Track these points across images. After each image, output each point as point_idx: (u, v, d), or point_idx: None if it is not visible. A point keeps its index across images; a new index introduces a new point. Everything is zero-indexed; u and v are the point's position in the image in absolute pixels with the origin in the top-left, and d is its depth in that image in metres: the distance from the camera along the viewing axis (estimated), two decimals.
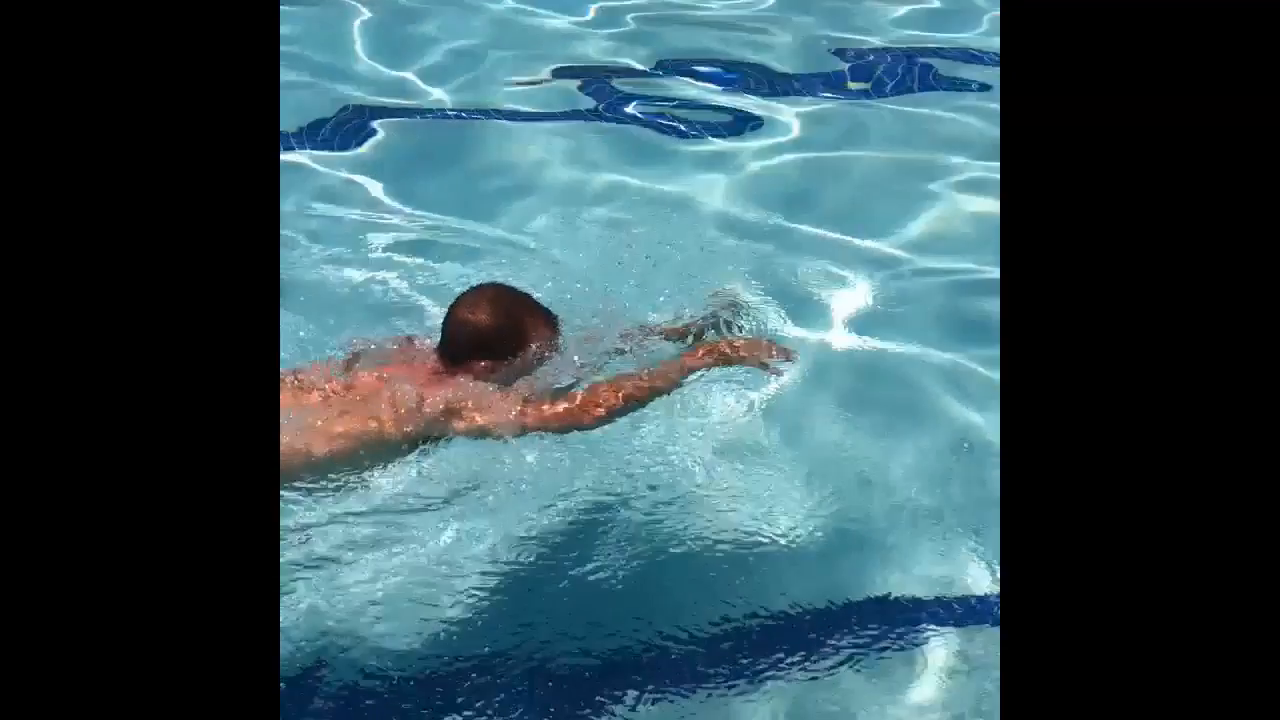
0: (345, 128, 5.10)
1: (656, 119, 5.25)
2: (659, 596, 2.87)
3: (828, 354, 3.68)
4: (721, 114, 5.33)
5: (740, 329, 3.30)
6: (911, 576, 2.99)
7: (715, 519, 3.03)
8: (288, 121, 4.96)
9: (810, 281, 4.05)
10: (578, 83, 5.56)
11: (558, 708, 2.64)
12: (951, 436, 3.40)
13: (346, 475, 2.82)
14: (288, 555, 2.73)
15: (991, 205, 4.43)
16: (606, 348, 3.10)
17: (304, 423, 2.76)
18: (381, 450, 2.82)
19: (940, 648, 2.81)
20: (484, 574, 2.86)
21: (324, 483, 2.80)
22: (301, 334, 3.28)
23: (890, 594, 2.95)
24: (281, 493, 2.72)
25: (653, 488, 3.04)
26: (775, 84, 5.59)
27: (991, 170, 4.72)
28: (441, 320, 3.00)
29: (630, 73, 5.68)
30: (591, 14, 6.18)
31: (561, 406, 2.86)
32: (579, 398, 2.88)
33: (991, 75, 5.68)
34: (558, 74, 5.65)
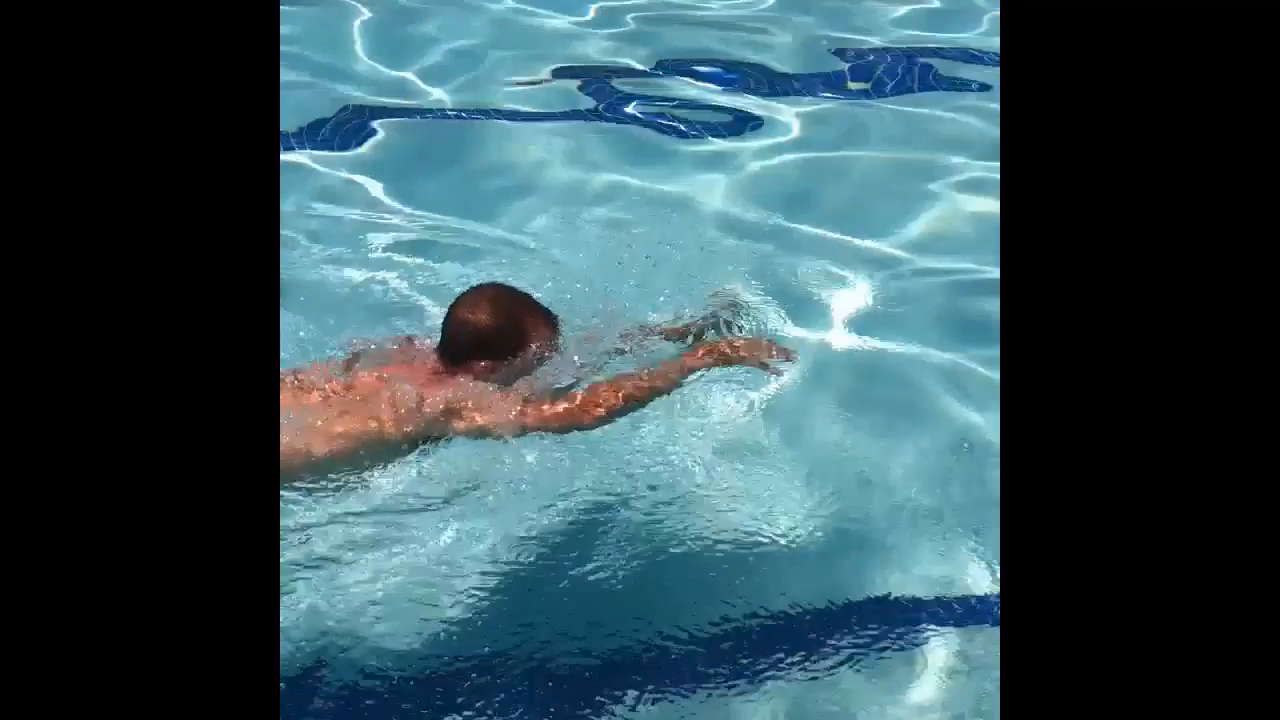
0: (345, 128, 5.10)
1: (656, 119, 5.25)
2: (659, 596, 2.87)
3: (828, 354, 3.68)
4: (721, 114, 5.33)
5: (740, 329, 3.30)
6: (911, 576, 2.99)
7: (715, 519, 3.03)
8: (288, 121, 4.96)
9: (810, 281, 4.05)
10: (578, 83, 5.56)
11: (557, 708, 2.64)
12: (951, 436, 3.40)
13: (346, 475, 2.82)
14: (288, 555, 2.73)
15: (991, 205, 4.43)
16: (606, 348, 3.10)
17: (304, 423, 2.76)
18: (381, 450, 2.83)
19: (940, 648, 2.81)
20: (484, 574, 2.86)
21: (324, 483, 2.80)
22: (301, 334, 3.28)
23: (890, 594, 2.95)
24: (282, 492, 2.72)
25: (653, 488, 3.04)
26: (775, 84, 5.59)
27: (991, 170, 4.72)
28: (441, 320, 3.00)
29: (630, 73, 5.68)
30: (591, 14, 6.19)
31: (561, 406, 2.86)
32: (579, 398, 2.88)
33: (991, 75, 5.68)
34: (558, 74, 5.65)
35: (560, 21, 6.15)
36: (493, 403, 2.85)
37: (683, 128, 5.21)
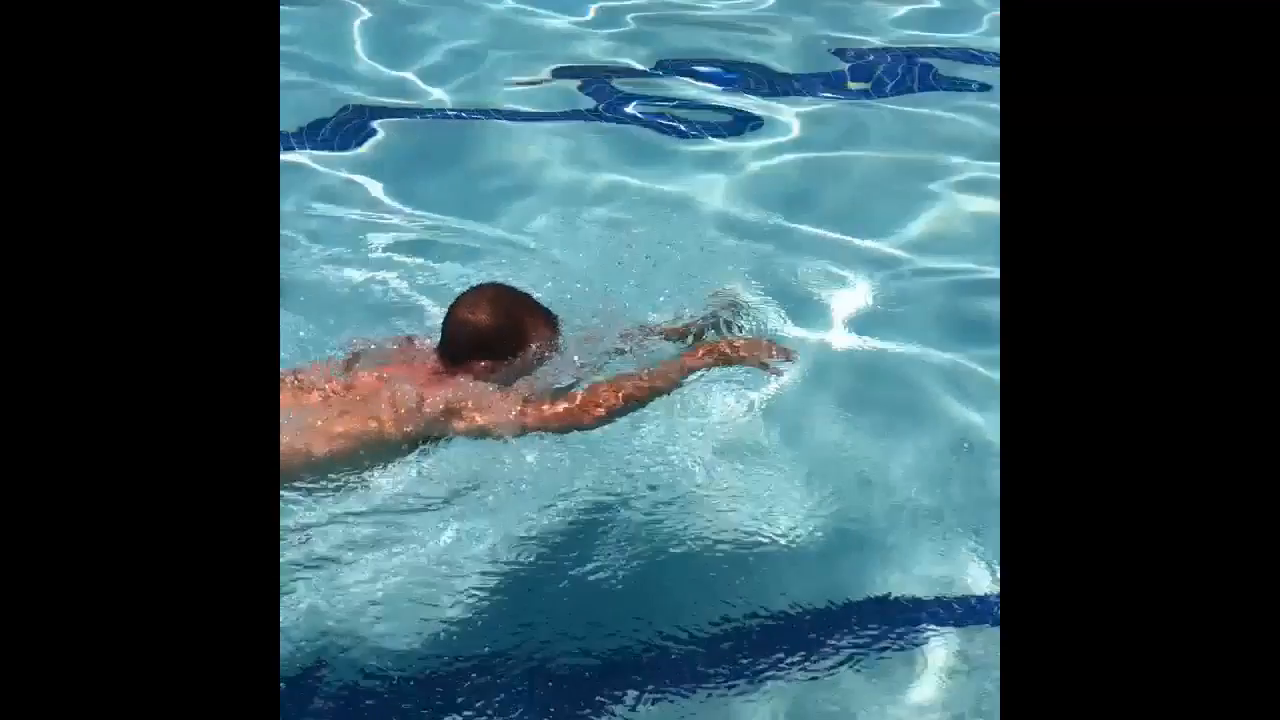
0: (345, 128, 5.10)
1: (656, 119, 5.25)
2: (659, 596, 2.87)
3: (828, 354, 3.68)
4: (721, 114, 5.33)
5: (740, 329, 3.30)
6: (911, 576, 2.99)
7: (715, 519, 3.03)
8: (288, 121, 4.96)
9: (810, 281, 4.05)
10: (578, 83, 5.56)
11: (558, 708, 2.64)
12: (951, 436, 3.40)
13: (346, 475, 2.82)
14: (288, 555, 2.74)
15: (991, 205, 4.43)
16: (606, 348, 3.10)
17: (304, 423, 2.76)
18: (381, 450, 2.83)
19: (940, 648, 2.82)
20: (484, 574, 2.86)
21: (324, 483, 2.80)
22: (301, 334, 3.28)
23: (890, 594, 2.95)
24: (282, 492, 2.72)
25: (653, 488, 3.04)
26: (775, 84, 5.60)
27: (991, 170, 4.72)
28: (441, 320, 3.00)
29: (630, 73, 5.68)
30: (591, 14, 6.19)
31: (561, 406, 2.86)
32: (579, 398, 2.88)
33: (991, 75, 5.68)
34: (558, 74, 5.65)
35: (560, 21, 6.15)
36: (493, 403, 2.85)
37: (683, 128, 5.21)
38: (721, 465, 3.14)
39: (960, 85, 5.74)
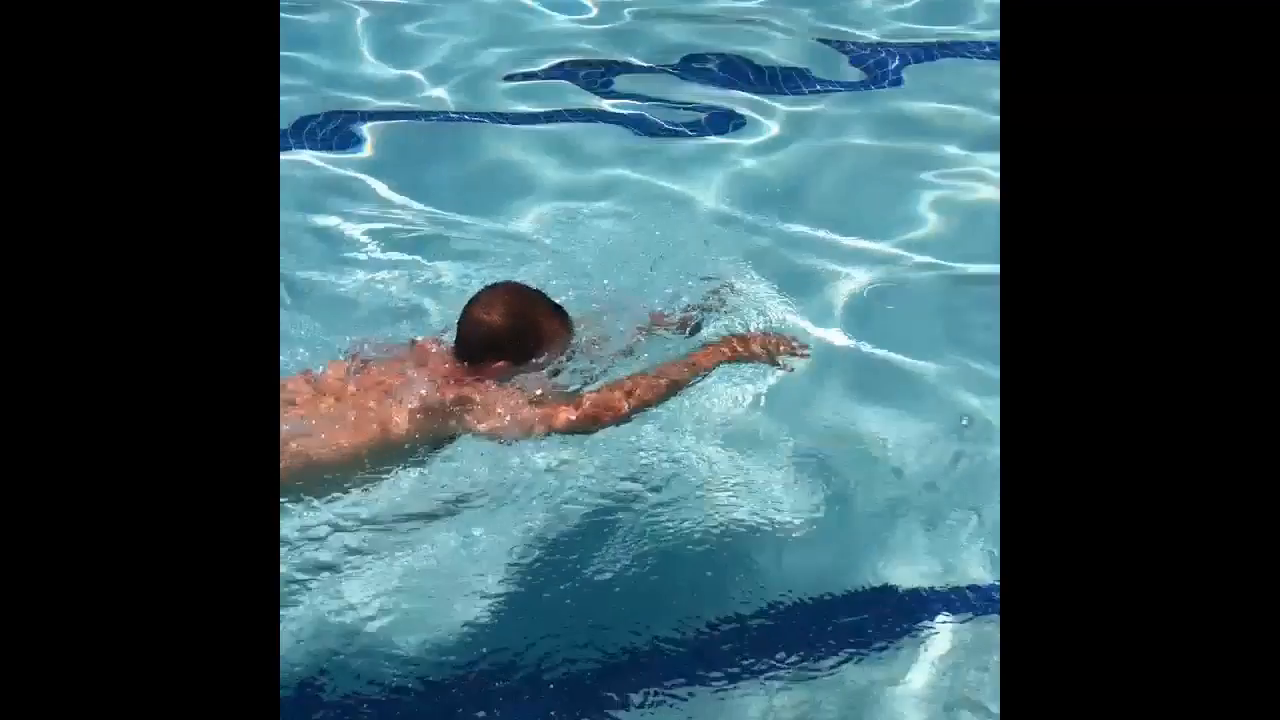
0: (345, 128, 5.10)
1: (655, 116, 5.24)
2: (661, 596, 2.88)
3: (829, 349, 3.68)
4: (720, 109, 5.32)
5: (744, 324, 3.31)
6: (915, 572, 3.00)
7: (717, 516, 3.04)
8: (288, 121, 4.96)
9: (811, 276, 4.05)
10: (576, 80, 5.55)
11: (560, 709, 2.64)
12: (953, 433, 3.40)
13: (360, 478, 2.82)
14: (294, 559, 2.74)
15: (992, 199, 4.42)
16: (617, 348, 3.10)
17: (318, 426, 2.76)
18: (394, 453, 2.83)
19: (943, 642, 2.82)
20: (485, 576, 2.87)
21: (335, 486, 2.81)
22: (306, 335, 3.28)
23: (892, 592, 2.96)
24: (293, 496, 2.73)
25: (654, 488, 3.05)
26: (773, 79, 5.59)
27: (992, 165, 4.72)
28: (451, 319, 3.00)
29: (629, 69, 5.67)
30: (591, 12, 6.18)
31: (578, 409, 2.87)
32: (594, 399, 2.89)
33: (991, 71, 5.67)
34: (557, 71, 5.64)
35: (559, 19, 6.14)
36: (507, 404, 2.85)
37: (682, 124, 5.21)
38: (722, 461, 3.15)
39: (959, 80, 5.73)
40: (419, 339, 3.13)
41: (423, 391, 2.83)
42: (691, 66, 5.69)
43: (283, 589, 2.66)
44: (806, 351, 3.23)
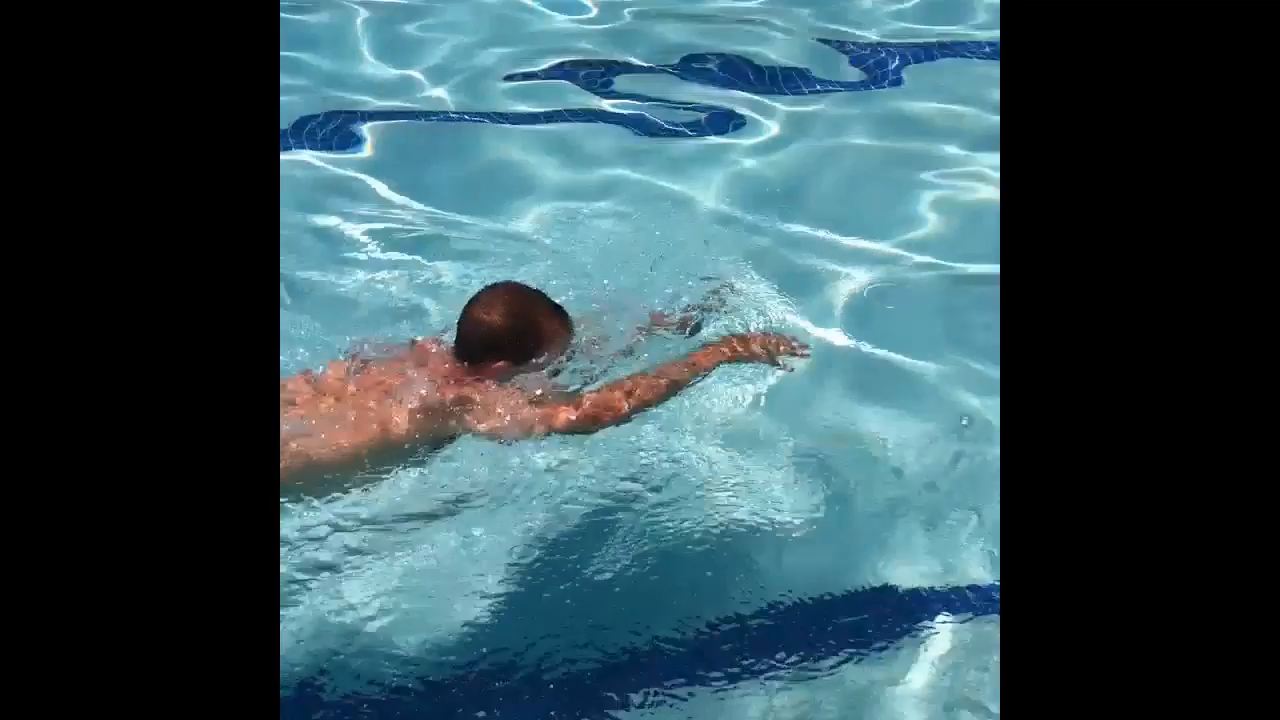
0: (346, 128, 5.10)
1: (655, 116, 5.24)
2: (661, 596, 2.88)
3: (829, 349, 3.68)
4: (720, 109, 5.32)
5: (744, 324, 3.31)
6: (915, 572, 3.01)
7: (717, 516, 3.04)
8: (288, 121, 4.96)
9: (811, 276, 4.05)
10: (576, 80, 5.55)
11: (561, 710, 2.64)
12: (953, 433, 3.40)
13: (360, 478, 2.82)
14: (294, 559, 2.74)
15: (992, 199, 4.42)
16: (617, 348, 3.10)
17: (318, 426, 2.76)
18: (394, 453, 2.83)
19: (943, 642, 2.82)
20: (486, 576, 2.87)
21: (335, 486, 2.81)
22: (306, 335, 3.28)
23: (892, 592, 2.96)
24: (293, 496, 2.73)
25: (654, 488, 3.05)
26: (773, 79, 5.59)
27: (992, 165, 4.72)
28: (451, 319, 3.00)
29: (629, 69, 5.67)
30: (591, 12, 6.18)
31: (578, 409, 2.87)
32: (594, 400, 2.89)
33: (991, 71, 5.67)
34: (557, 71, 5.64)
35: (559, 19, 6.14)
36: (507, 404, 2.85)
37: (682, 124, 5.21)
38: (722, 461, 3.15)
39: (959, 80, 5.73)
40: (419, 339, 3.13)
41: (423, 391, 2.83)
42: (691, 66, 5.69)
43: (283, 589, 2.66)
44: (806, 351, 3.23)
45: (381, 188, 4.64)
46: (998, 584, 2.85)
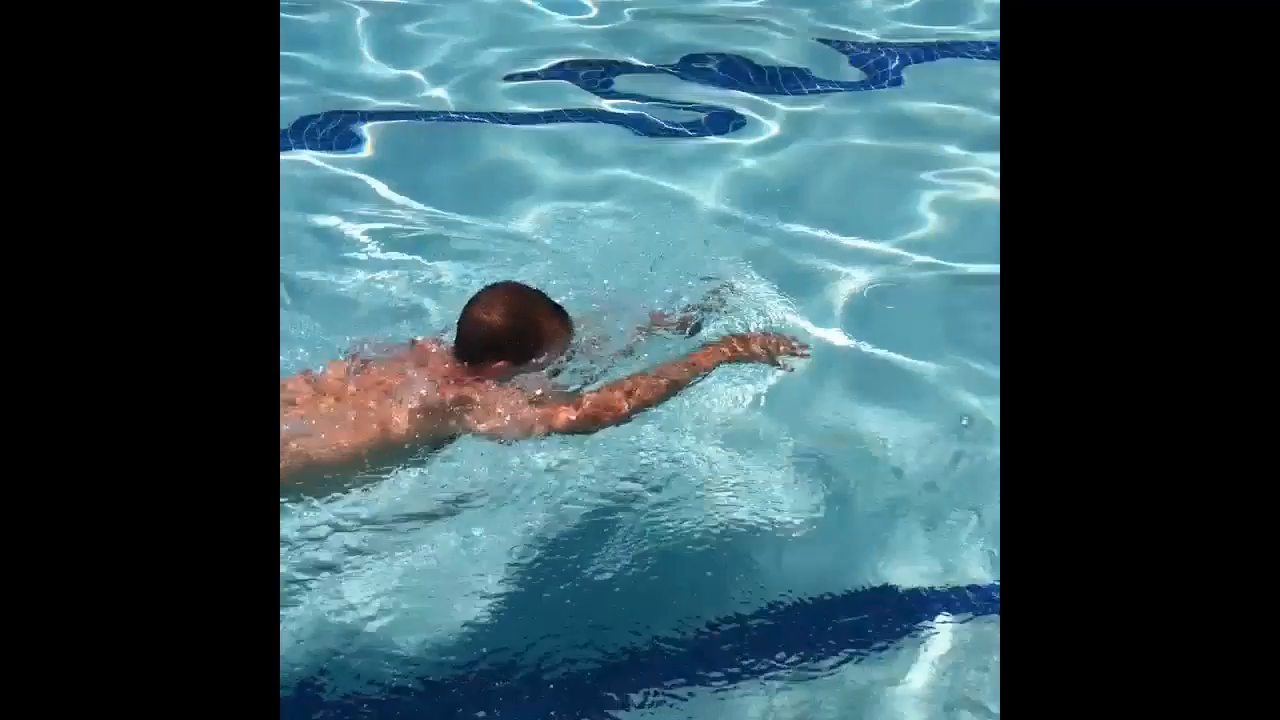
0: (346, 128, 5.10)
1: (655, 116, 5.24)
2: (661, 596, 2.88)
3: (829, 349, 3.68)
4: (720, 109, 5.32)
5: (744, 324, 3.31)
6: (915, 571, 3.01)
7: (717, 516, 3.04)
8: (288, 121, 4.96)
9: (811, 276, 4.05)
10: (576, 80, 5.56)
11: (561, 710, 2.64)
12: (953, 433, 3.40)
13: (360, 478, 2.82)
14: (294, 559, 2.74)
15: (992, 199, 4.42)
16: (617, 348, 3.10)
17: (318, 426, 2.76)
18: (394, 453, 2.83)
19: (943, 642, 2.82)
20: (486, 576, 2.87)
21: (335, 486, 2.81)
22: (306, 335, 3.28)
23: (892, 592, 2.96)
24: (293, 496, 2.73)
25: (654, 488, 3.05)
26: (773, 79, 5.59)
27: (992, 165, 4.72)
28: (451, 319, 3.00)
29: (629, 69, 5.67)
30: (591, 12, 6.18)
31: (578, 409, 2.87)
32: (594, 400, 2.89)
33: (991, 71, 5.68)
34: (557, 71, 5.64)
35: (559, 19, 6.14)
36: (508, 404, 2.85)
37: (682, 124, 5.21)
38: (722, 461, 3.15)
39: (959, 79, 5.73)
40: (419, 339, 3.13)
41: (423, 391, 2.83)
42: (691, 66, 5.69)
43: (283, 589, 2.66)
44: (806, 351, 3.23)
45: (381, 188, 4.64)
46: (998, 584, 2.85)
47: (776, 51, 5.79)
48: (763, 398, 3.27)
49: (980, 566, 2.98)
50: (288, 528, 2.72)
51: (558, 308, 3.00)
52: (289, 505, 2.72)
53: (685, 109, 5.30)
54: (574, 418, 2.87)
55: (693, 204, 4.54)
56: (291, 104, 5.05)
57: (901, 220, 4.46)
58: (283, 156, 4.63)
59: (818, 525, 3.05)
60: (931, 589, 2.95)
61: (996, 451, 2.75)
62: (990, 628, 2.82)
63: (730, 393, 3.24)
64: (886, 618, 2.90)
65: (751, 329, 3.31)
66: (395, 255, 4.13)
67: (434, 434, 2.85)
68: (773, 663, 2.76)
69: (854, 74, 5.67)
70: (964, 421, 3.40)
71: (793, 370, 3.22)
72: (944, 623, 2.87)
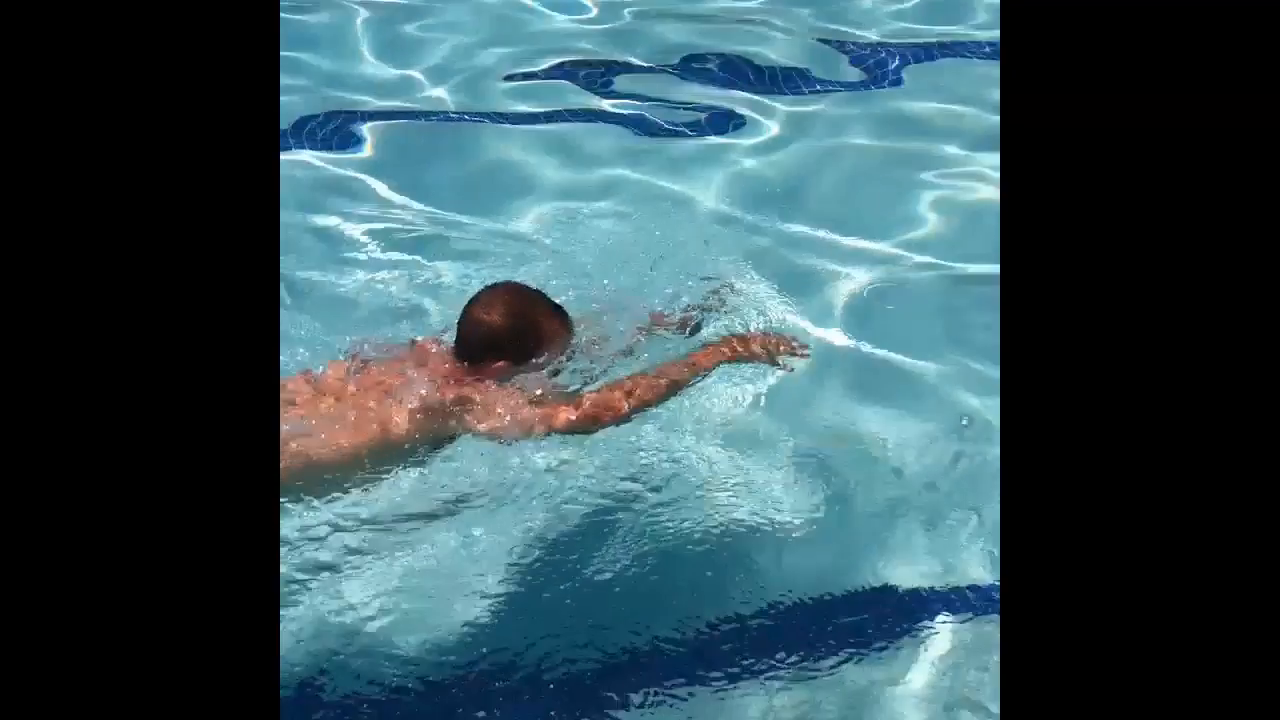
0: (346, 128, 5.10)
1: (655, 116, 5.24)
2: (661, 596, 2.88)
3: (829, 349, 3.68)
4: (720, 109, 5.32)
5: (744, 324, 3.31)
6: (915, 571, 3.01)
7: (717, 516, 3.04)
8: (288, 121, 4.96)
9: (811, 276, 4.05)
10: (576, 80, 5.56)
11: (561, 710, 2.64)
12: (953, 433, 3.40)
13: (360, 478, 2.82)
14: (294, 559, 2.74)
15: (992, 199, 4.42)
16: (617, 348, 3.11)
17: (318, 426, 2.76)
18: (394, 453, 2.83)
19: (943, 642, 2.82)
20: (486, 576, 2.87)
21: (335, 486, 2.81)
22: (306, 335, 3.28)
23: (892, 592, 2.96)
24: (293, 496, 2.73)
25: (654, 488, 3.05)
26: (773, 79, 5.59)
27: (992, 165, 4.72)
28: (451, 319, 3.00)
29: (629, 69, 5.68)
30: (591, 12, 6.18)
31: (578, 409, 2.87)
32: (594, 400, 2.89)
33: (991, 71, 5.68)
34: (557, 71, 5.64)
35: (559, 19, 6.14)
36: (507, 404, 2.85)
37: (682, 124, 5.21)
38: (722, 461, 3.15)
39: (959, 79, 5.73)
40: (419, 339, 3.13)
41: (423, 391, 2.83)
42: (691, 66, 5.69)
43: (283, 589, 2.66)
44: (806, 351, 3.23)
45: (381, 188, 4.64)
46: (998, 584, 2.85)
47: (776, 51, 5.79)
48: (763, 398, 3.27)
49: (980, 566, 2.98)
50: (288, 528, 2.72)
51: (558, 308, 3.00)
52: (289, 505, 2.72)
53: (685, 109, 5.30)
54: (574, 418, 2.87)
55: (693, 204, 4.54)
56: (291, 104, 5.05)
57: (901, 220, 4.46)
58: (283, 156, 4.63)
59: (818, 525, 3.05)
60: (931, 589, 2.95)
61: (996, 451, 2.75)
62: (990, 628, 2.82)
63: (730, 393, 3.24)
64: (886, 618, 2.90)
65: (751, 329, 3.30)
66: (395, 255, 4.13)
67: (434, 434, 2.85)
68: (773, 663, 2.76)
69: (854, 74, 5.67)
70: (964, 421, 3.40)
71: (793, 370, 3.22)
72: (944, 623, 2.87)
